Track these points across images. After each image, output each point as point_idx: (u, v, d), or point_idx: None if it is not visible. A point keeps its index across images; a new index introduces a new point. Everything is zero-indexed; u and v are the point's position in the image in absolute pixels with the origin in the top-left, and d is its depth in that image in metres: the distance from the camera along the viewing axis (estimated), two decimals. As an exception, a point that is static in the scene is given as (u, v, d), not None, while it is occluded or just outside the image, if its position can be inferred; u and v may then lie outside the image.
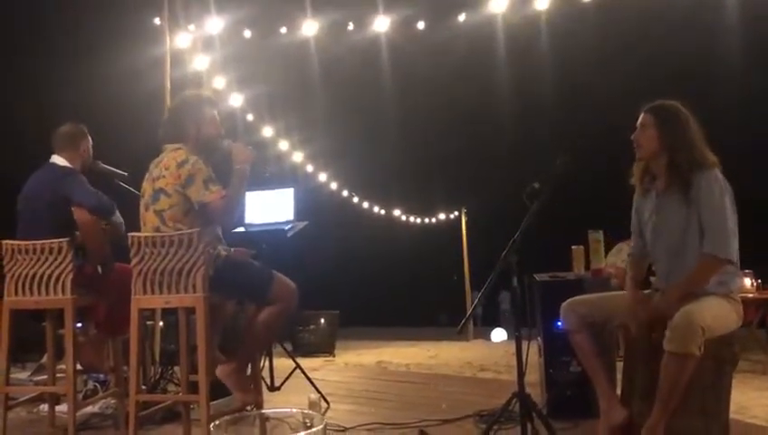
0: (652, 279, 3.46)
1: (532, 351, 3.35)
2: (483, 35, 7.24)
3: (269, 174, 3.82)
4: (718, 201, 3.07)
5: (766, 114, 8.80)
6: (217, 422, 1.44)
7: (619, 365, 3.51)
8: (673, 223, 3.18)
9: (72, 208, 3.79)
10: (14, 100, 7.61)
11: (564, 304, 3.42)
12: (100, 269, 3.88)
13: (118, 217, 3.89)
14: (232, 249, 3.58)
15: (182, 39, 6.09)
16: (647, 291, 3.39)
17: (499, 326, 11.77)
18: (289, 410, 1.50)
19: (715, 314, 3.00)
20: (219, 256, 3.41)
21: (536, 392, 3.87)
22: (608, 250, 4.30)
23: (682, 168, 3.14)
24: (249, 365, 3.62)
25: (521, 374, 2.88)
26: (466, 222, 12.28)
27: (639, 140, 3.27)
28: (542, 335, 4.15)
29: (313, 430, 1.37)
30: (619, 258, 5.88)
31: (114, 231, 3.87)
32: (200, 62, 6.36)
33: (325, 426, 1.41)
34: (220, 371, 3.41)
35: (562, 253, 4.48)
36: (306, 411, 1.49)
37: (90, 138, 4.11)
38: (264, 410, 1.52)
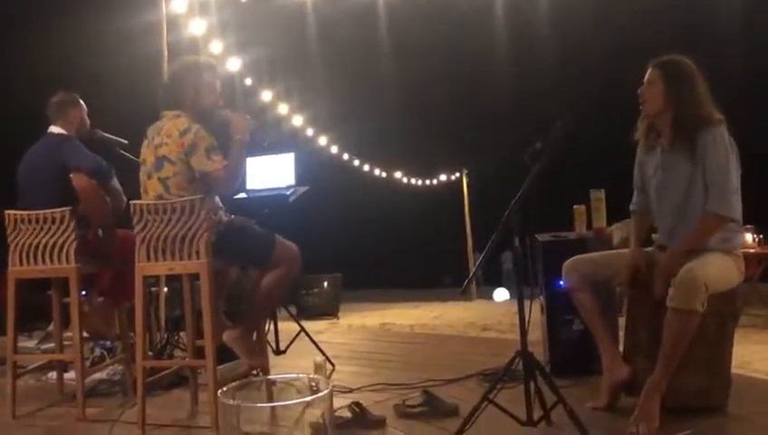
0: (654, 236, 3.46)
1: (535, 310, 3.37)
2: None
3: (267, 143, 3.82)
4: (723, 159, 3.06)
5: (768, 70, 8.73)
6: (225, 388, 1.46)
7: (622, 322, 3.54)
8: (678, 180, 3.18)
9: (71, 175, 3.79)
10: (8, 69, 7.55)
11: (566, 263, 3.44)
12: (101, 233, 3.89)
13: (116, 183, 3.90)
14: (233, 216, 3.59)
15: (178, 3, 6.01)
16: (648, 248, 3.40)
17: (501, 286, 11.82)
18: (295, 374, 1.52)
19: (718, 270, 3.01)
20: (221, 221, 3.42)
21: (539, 351, 3.90)
22: (608, 210, 4.30)
23: (687, 124, 3.12)
24: (255, 329, 3.64)
25: (523, 333, 2.90)
26: (468, 183, 12.26)
27: (645, 96, 3.24)
28: (545, 294, 4.17)
29: (320, 394, 1.39)
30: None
31: (114, 197, 3.88)
32: (197, 27, 6.29)
33: (331, 390, 1.43)
34: (227, 335, 3.44)
35: (564, 212, 4.48)
36: (312, 376, 1.51)
37: (83, 105, 4.10)
38: (270, 376, 1.54)
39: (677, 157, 3.18)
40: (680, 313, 2.88)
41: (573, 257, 3.46)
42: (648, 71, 3.26)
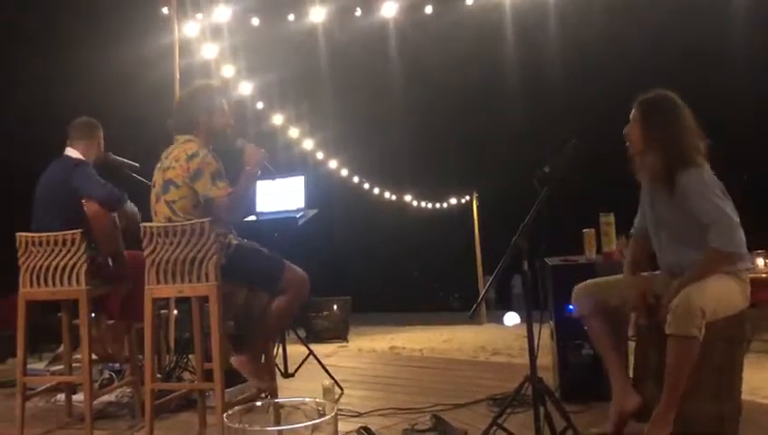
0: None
1: (545, 334, 3.35)
2: (491, 17, 7.21)
3: (274, 172, 3.84)
4: (710, 199, 3.01)
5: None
6: (232, 411, 1.46)
7: (632, 346, 3.51)
8: (668, 219, 3.17)
9: (83, 201, 3.82)
10: (24, 92, 7.63)
11: (577, 288, 3.40)
12: (110, 261, 3.91)
13: (130, 206, 3.92)
14: (245, 240, 3.60)
15: (190, 28, 6.08)
16: (656, 272, 3.38)
17: (512, 310, 11.76)
18: (302, 398, 1.52)
19: (717, 294, 2.97)
20: (230, 244, 3.43)
21: (549, 376, 3.88)
22: (618, 233, 4.29)
23: (664, 164, 3.10)
24: (263, 352, 3.64)
25: (533, 358, 2.89)
26: (478, 206, 12.25)
27: (630, 135, 3.24)
28: (554, 318, 4.15)
29: (325, 417, 1.39)
30: None
31: (129, 221, 3.90)
32: (209, 51, 6.36)
33: (336, 414, 1.42)
34: (235, 359, 3.44)
35: (574, 236, 4.47)
36: (319, 400, 1.51)
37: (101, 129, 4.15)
38: (277, 399, 1.54)
39: (660, 197, 3.17)
40: (678, 338, 2.86)
41: (584, 282, 3.43)
42: (633, 109, 3.26)
